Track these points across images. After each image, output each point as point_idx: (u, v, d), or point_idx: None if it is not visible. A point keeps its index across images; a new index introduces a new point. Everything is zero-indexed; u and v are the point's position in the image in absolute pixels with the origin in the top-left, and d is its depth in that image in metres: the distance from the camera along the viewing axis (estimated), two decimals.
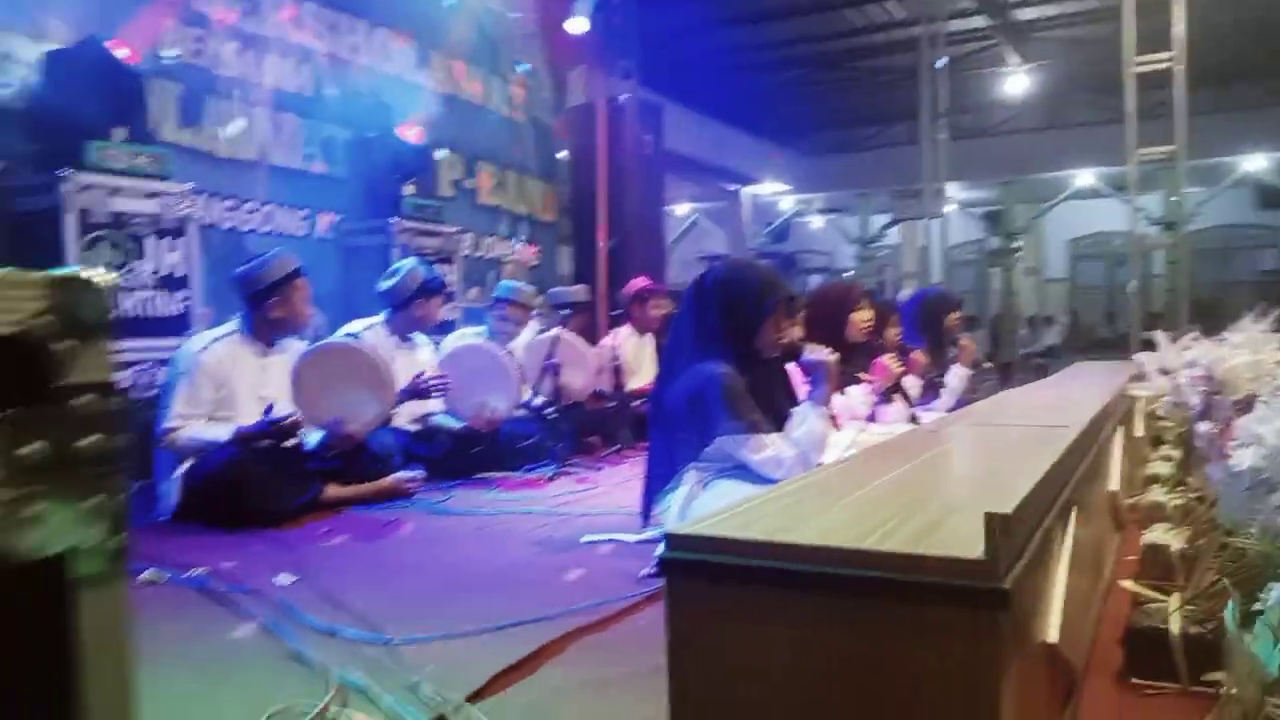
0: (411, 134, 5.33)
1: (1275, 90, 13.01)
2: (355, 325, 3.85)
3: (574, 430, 4.32)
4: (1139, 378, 2.85)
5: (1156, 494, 2.45)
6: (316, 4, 5.19)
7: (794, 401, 2.59)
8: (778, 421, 2.50)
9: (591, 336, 5.33)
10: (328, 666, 1.68)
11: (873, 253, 16.63)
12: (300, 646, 1.82)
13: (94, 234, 3.49)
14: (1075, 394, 2.58)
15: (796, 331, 2.74)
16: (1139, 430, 3.01)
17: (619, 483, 3.66)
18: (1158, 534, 2.05)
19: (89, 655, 0.68)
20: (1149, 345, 2.88)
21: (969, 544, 0.94)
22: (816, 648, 0.99)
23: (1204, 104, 13.43)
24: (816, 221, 18.73)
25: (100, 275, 0.69)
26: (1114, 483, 2.19)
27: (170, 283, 3.79)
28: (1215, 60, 11.71)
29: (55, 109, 3.51)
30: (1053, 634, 1.21)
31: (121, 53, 3.76)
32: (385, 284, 3.95)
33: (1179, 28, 5.72)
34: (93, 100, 3.51)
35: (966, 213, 16.49)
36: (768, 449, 2.39)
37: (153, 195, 3.70)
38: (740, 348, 2.51)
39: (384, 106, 5.35)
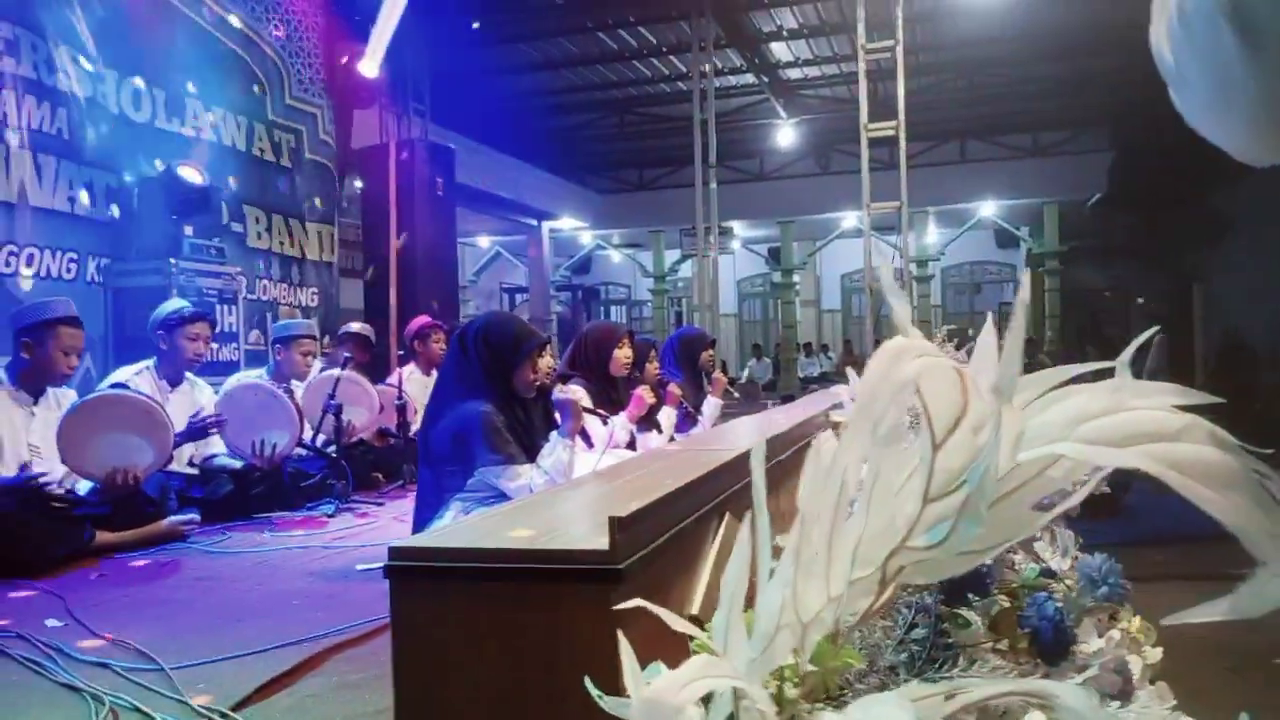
0: (191, 174, 5.32)
1: (1006, 145, 14.94)
2: (122, 373, 3.84)
3: (358, 468, 4.48)
4: (838, 405, 3.42)
5: None
6: (70, 48, 5.07)
7: (549, 432, 2.95)
8: (535, 454, 2.85)
9: (381, 374, 5.50)
10: (100, 693, 1.84)
11: (667, 286, 17.53)
12: (73, 678, 1.95)
13: None
14: (780, 420, 3.09)
15: (545, 366, 3.10)
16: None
17: (398, 516, 3.88)
18: None
19: None
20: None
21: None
22: (499, 622, 1.33)
23: (950, 155, 15.30)
24: (616, 256, 19.52)
25: None
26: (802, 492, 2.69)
27: None
28: (955, 119, 13.40)
29: None
30: (694, 608, 1.61)
31: None
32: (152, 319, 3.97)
33: (900, 99, 6.70)
34: None
35: (751, 249, 17.79)
36: (521, 478, 2.73)
37: None
38: (500, 388, 2.85)
39: (151, 149, 5.32)
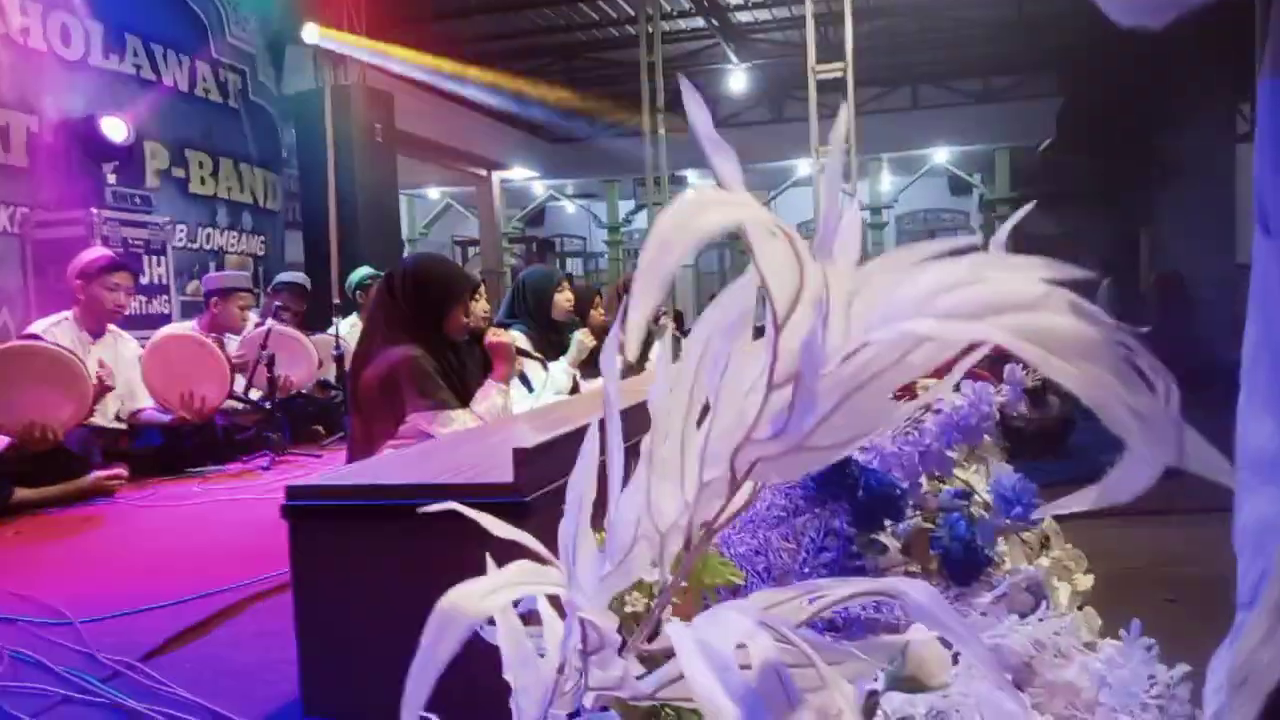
0: (112, 121, 5.09)
1: (958, 91, 14.92)
2: (39, 325, 3.68)
3: (298, 421, 4.38)
4: None
5: None
6: None
7: (483, 377, 2.89)
8: (467, 397, 2.78)
9: (319, 326, 5.36)
10: (3, 649, 1.77)
11: (622, 238, 17.37)
12: None
13: None
14: None
15: (480, 311, 3.03)
16: None
17: (336, 468, 3.79)
18: None
19: None
20: None
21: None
22: (399, 560, 1.28)
23: (902, 102, 15.25)
24: (570, 207, 19.28)
25: None
26: None
27: None
28: (906, 65, 13.33)
29: None
30: None
31: None
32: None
33: (848, 41, 6.60)
34: None
35: None
36: (455, 422, 2.66)
37: None
38: (430, 332, 2.77)
39: (74, 92, 5.07)
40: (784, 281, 0.45)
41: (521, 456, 1.24)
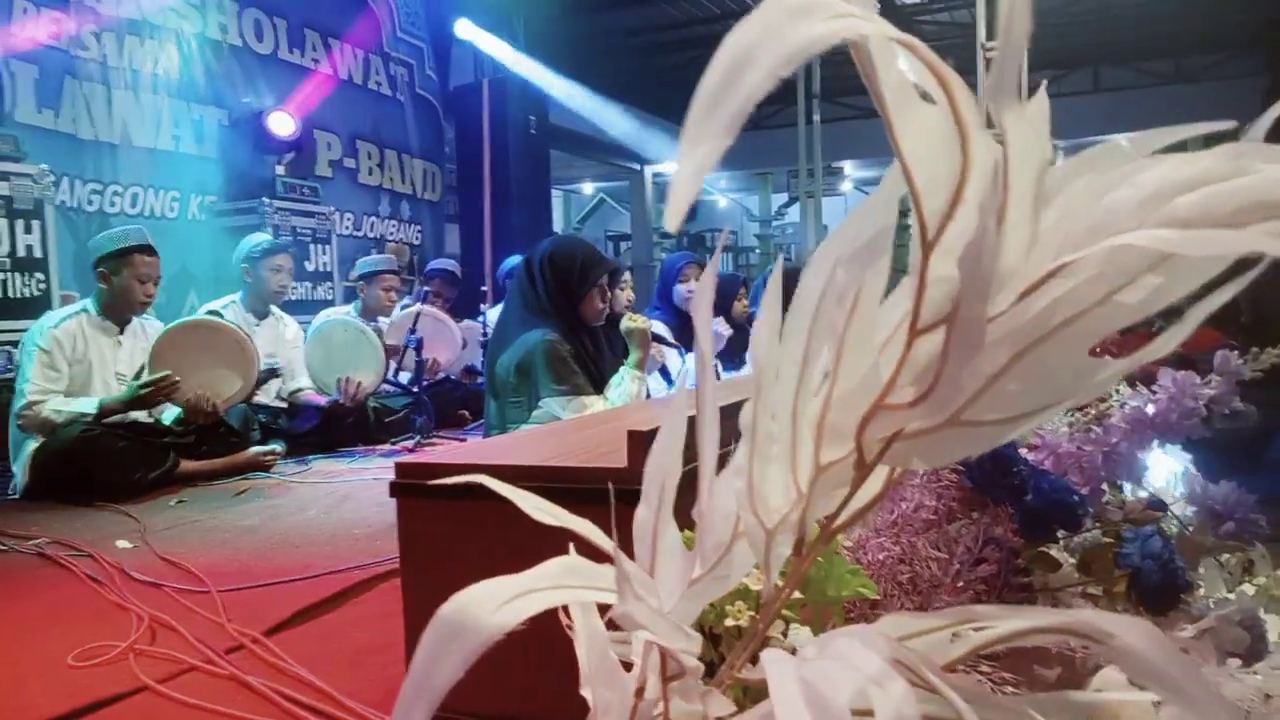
0: (286, 114, 5.37)
1: (1146, 72, 13.76)
2: (213, 304, 3.91)
3: (445, 405, 4.46)
4: None
5: None
6: None
7: (620, 364, 2.81)
8: (603, 384, 2.71)
9: (470, 313, 5.46)
10: (145, 611, 1.82)
11: (774, 231, 17.06)
12: (126, 598, 1.94)
13: None
14: None
15: (625, 300, 2.96)
16: None
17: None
18: None
19: None
20: None
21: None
22: (504, 537, 1.19)
23: (1082, 85, 14.22)
24: (722, 200, 19.12)
25: None
26: None
27: (26, 264, 3.79)
28: (1086, 45, 12.39)
29: None
30: None
31: None
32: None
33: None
34: None
35: (864, 191, 17.09)
36: (587, 409, 2.59)
37: (3, 177, 3.69)
38: (566, 317, 2.71)
39: (258, 87, 5.37)
40: (937, 164, 0.31)
41: (638, 440, 1.12)
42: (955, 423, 0.34)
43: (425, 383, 4.26)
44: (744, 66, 0.23)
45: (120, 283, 3.27)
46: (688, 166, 0.24)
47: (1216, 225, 0.28)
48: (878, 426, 0.37)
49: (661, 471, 0.45)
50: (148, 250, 3.31)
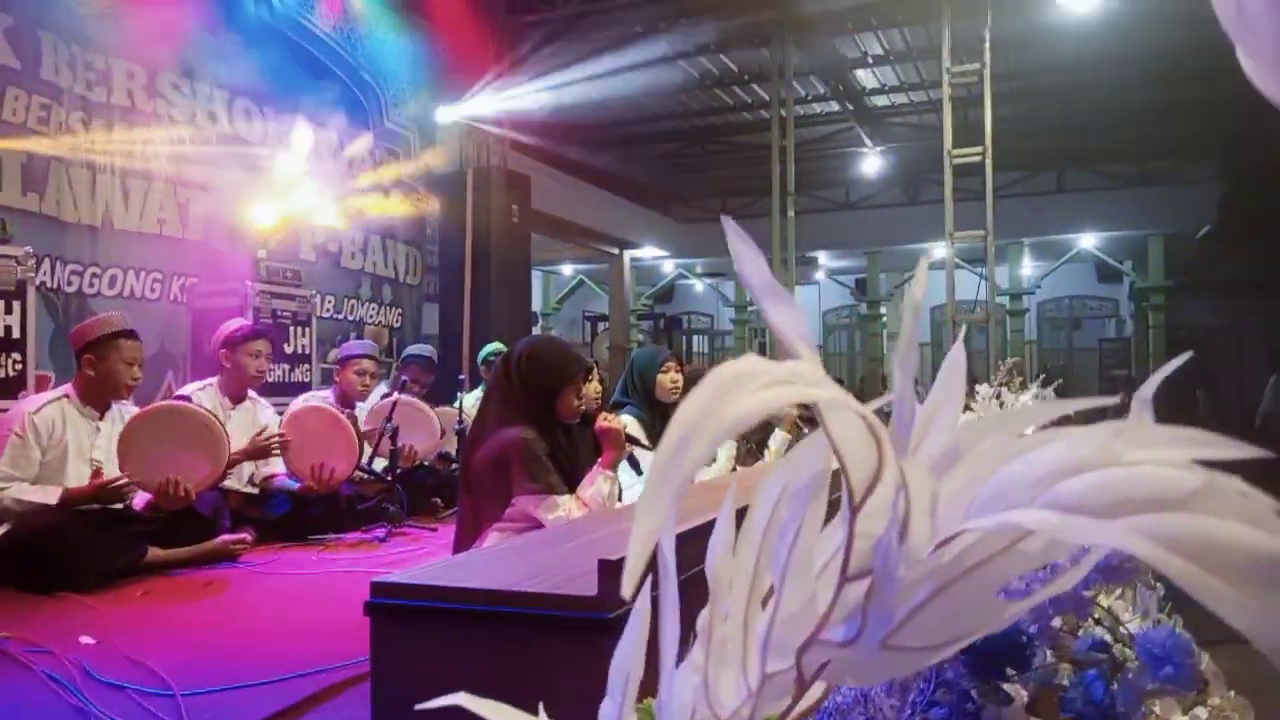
0: (267, 203, 5.44)
1: (1107, 174, 14.30)
2: (188, 388, 3.92)
3: (418, 492, 4.45)
4: None
5: None
6: (175, 74, 5.30)
7: (594, 461, 2.84)
8: (576, 481, 2.74)
9: (446, 399, 5.49)
10: (108, 717, 1.80)
11: (749, 316, 17.31)
12: (87, 702, 1.92)
13: None
14: None
15: (592, 392, 2.99)
16: None
17: (449, 543, 3.80)
18: None
19: None
20: None
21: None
22: (477, 660, 1.21)
23: (1046, 186, 14.73)
24: (698, 285, 19.42)
25: None
26: None
27: (4, 345, 3.79)
28: (1050, 149, 12.90)
29: None
30: None
31: None
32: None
33: (988, 125, 6.43)
34: None
35: (837, 280, 17.47)
36: (559, 508, 2.61)
37: None
38: (543, 414, 2.75)
39: (238, 171, 5.47)
40: (859, 458, 0.37)
41: (606, 569, 1.16)
42: (884, 647, 0.40)
43: (399, 470, 4.26)
44: (689, 442, 0.29)
45: (106, 368, 3.29)
46: (642, 531, 0.30)
47: (1093, 515, 0.33)
48: (814, 654, 0.42)
49: (625, 669, 0.50)
50: (132, 335, 3.35)
